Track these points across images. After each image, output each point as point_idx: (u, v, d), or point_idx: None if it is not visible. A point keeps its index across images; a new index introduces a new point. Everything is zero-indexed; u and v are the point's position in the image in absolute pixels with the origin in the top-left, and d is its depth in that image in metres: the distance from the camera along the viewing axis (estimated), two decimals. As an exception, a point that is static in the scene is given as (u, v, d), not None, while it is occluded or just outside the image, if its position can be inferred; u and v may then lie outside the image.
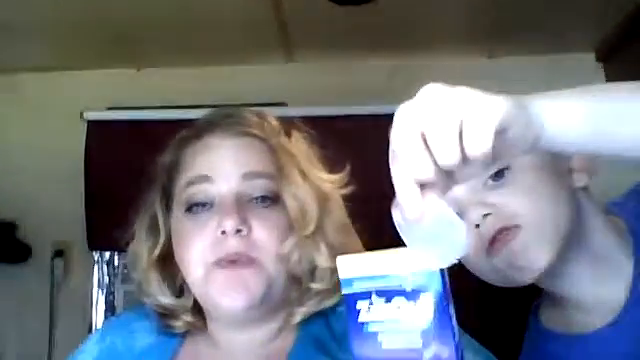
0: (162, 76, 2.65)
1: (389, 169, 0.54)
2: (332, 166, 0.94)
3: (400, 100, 0.55)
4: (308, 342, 0.85)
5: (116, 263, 2.85)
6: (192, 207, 0.86)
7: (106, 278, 2.77)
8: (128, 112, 2.62)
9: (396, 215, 0.56)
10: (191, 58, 2.59)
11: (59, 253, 2.56)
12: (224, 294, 0.82)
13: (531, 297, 1.06)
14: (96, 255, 2.69)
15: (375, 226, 0.92)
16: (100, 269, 2.73)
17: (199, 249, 0.84)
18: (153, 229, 0.92)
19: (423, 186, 0.53)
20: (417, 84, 0.55)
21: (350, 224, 0.93)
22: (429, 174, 0.52)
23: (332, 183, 0.92)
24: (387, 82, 2.51)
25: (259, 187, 0.85)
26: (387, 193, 0.56)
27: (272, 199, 0.86)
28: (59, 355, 2.46)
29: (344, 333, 0.84)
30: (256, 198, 0.85)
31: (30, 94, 2.69)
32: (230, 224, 0.81)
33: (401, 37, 2.40)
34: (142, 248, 0.91)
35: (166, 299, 0.90)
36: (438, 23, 2.33)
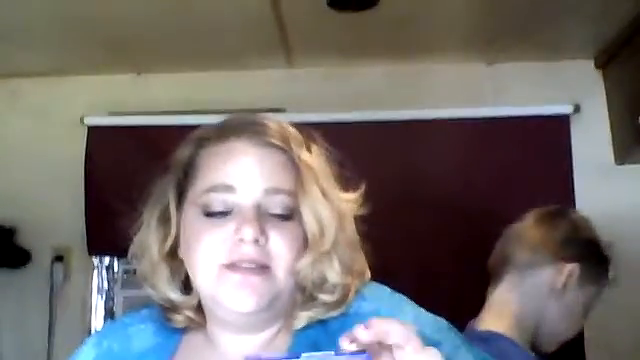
0: (162, 81, 2.66)
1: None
2: (345, 179, 0.95)
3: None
4: (304, 346, 0.84)
5: (116, 268, 2.85)
6: (209, 213, 0.87)
7: (105, 283, 2.77)
8: (128, 117, 2.62)
9: None
10: (191, 63, 2.60)
11: (59, 258, 2.57)
12: (234, 297, 0.83)
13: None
14: (96, 260, 2.69)
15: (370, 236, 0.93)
16: (100, 274, 2.73)
17: (211, 249, 0.84)
18: (165, 221, 0.91)
19: None
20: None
21: (358, 240, 0.93)
22: None
23: (349, 202, 0.92)
24: (386, 88, 2.50)
25: (279, 202, 0.86)
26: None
27: (290, 213, 0.87)
28: (58, 360, 2.46)
29: (339, 331, 0.84)
30: (273, 212, 0.86)
31: (30, 99, 2.69)
32: (250, 233, 0.82)
33: (400, 43, 2.41)
34: (151, 239, 0.91)
35: (174, 294, 0.91)
36: (438, 29, 2.34)
